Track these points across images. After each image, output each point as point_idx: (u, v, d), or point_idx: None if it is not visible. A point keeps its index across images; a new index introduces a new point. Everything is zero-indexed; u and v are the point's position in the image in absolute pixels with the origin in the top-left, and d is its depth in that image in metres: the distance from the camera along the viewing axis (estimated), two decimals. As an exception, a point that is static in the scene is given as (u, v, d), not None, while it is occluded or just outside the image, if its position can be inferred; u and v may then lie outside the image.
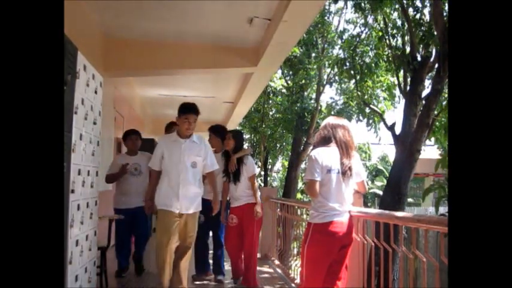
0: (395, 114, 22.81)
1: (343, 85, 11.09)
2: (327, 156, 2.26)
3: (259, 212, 3.40)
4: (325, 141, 2.31)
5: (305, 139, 10.63)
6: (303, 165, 11.63)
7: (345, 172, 2.24)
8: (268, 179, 15.46)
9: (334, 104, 11.36)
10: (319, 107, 10.65)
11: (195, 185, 2.96)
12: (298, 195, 13.94)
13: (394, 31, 7.46)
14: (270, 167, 16.78)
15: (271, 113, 12.13)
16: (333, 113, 10.03)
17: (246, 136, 13.24)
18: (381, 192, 16.77)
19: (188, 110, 2.93)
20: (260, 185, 13.41)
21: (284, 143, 13.28)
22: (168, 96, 7.50)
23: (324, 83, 10.72)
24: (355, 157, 2.34)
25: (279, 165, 19.32)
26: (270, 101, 12.31)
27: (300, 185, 13.87)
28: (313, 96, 11.04)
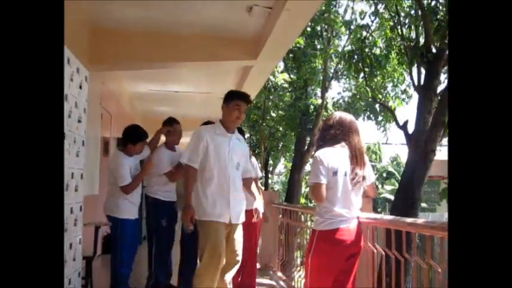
0: (407, 111, 22.73)
1: (350, 80, 11.12)
2: (333, 157, 2.26)
3: (266, 215, 3.36)
4: (333, 140, 2.31)
5: (309, 138, 10.65)
6: (307, 167, 11.67)
7: (357, 183, 2.25)
8: (269, 182, 15.47)
9: (341, 100, 11.39)
10: (325, 104, 10.67)
11: (242, 190, 2.84)
12: (302, 200, 13.97)
13: (407, 20, 7.44)
14: (271, 169, 16.82)
15: (272, 110, 12.19)
16: (338, 110, 10.06)
17: (246, 135, 13.24)
18: (392, 197, 16.78)
19: (240, 96, 2.80)
20: (260, 188, 13.25)
21: (286, 143, 13.32)
22: (160, 92, 7.50)
23: (330, 77, 10.74)
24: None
25: (281, 167, 19.39)
26: (271, 97, 12.31)
27: (304, 188, 13.90)
28: (319, 91, 11.07)
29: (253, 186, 3.21)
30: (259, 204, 2.92)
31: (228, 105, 2.80)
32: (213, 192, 2.70)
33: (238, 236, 2.80)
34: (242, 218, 2.82)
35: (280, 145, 13.70)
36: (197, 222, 2.74)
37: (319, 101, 10.41)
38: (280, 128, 12.47)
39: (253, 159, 3.56)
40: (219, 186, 2.71)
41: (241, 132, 3.38)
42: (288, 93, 12.02)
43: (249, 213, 2.95)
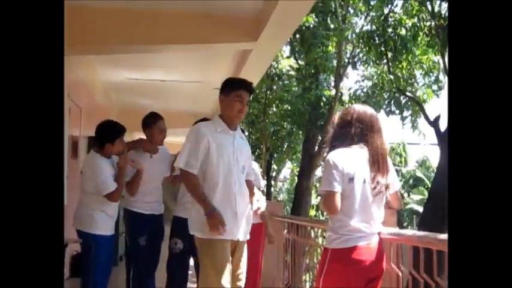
0: (439, 104, 22.76)
1: (370, 66, 11.13)
2: (349, 160, 2.27)
3: (270, 234, 3.35)
4: (350, 140, 2.32)
5: (320, 138, 10.66)
6: (317, 172, 11.67)
7: (379, 192, 2.26)
8: (272, 190, 15.48)
9: (359, 91, 11.41)
10: (340, 95, 10.68)
11: (248, 195, 2.86)
12: (312, 212, 14.02)
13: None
14: (274, 174, 16.83)
15: (275, 103, 12.22)
16: (355, 102, 10.07)
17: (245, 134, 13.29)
18: (420, 208, 16.75)
19: (241, 85, 2.83)
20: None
21: (293, 143, 13.37)
22: (140, 81, 7.50)
23: (346, 63, 10.75)
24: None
25: (287, 172, 19.42)
26: (274, 88, 12.31)
27: (314, 198, 13.90)
28: (332, 80, 11.08)
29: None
30: (262, 204, 2.88)
31: (227, 96, 2.81)
32: (218, 202, 2.70)
33: (243, 255, 2.81)
34: (249, 230, 2.85)
35: (285, 146, 13.75)
36: (197, 240, 2.74)
37: (333, 92, 10.40)
38: (285, 125, 12.49)
39: (255, 165, 3.57)
40: (224, 195, 2.72)
41: (242, 131, 3.40)
42: (294, 83, 12.03)
43: (254, 227, 2.97)
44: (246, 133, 13.90)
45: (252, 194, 2.98)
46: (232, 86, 2.83)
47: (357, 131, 2.31)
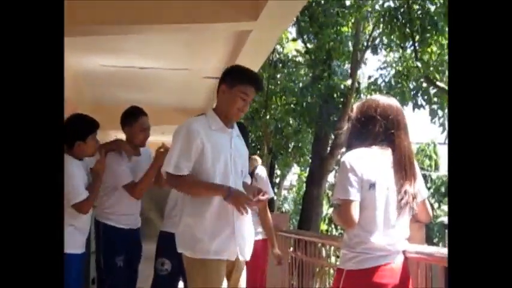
0: (476, 96, 22.69)
1: (393, 51, 11.11)
2: (369, 162, 2.28)
3: (279, 255, 3.43)
4: (370, 139, 2.33)
5: (334, 136, 10.67)
6: (330, 178, 11.67)
7: (406, 203, 2.27)
8: (275, 199, 15.44)
9: (380, 80, 11.39)
10: (357, 85, 10.68)
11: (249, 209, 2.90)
12: (323, 226, 14.03)
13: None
14: (277, 180, 16.85)
15: (279, 94, 12.27)
16: (375, 94, 10.06)
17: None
18: (453, 221, 16.73)
19: (250, 80, 2.88)
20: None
21: (300, 143, 13.41)
22: (117, 69, 7.50)
23: (365, 47, 10.75)
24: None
25: (293, 178, 19.38)
26: (278, 76, 12.31)
27: (326, 209, 13.91)
28: (348, 68, 11.08)
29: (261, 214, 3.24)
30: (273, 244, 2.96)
31: (230, 89, 2.84)
32: (212, 214, 2.74)
33: (242, 278, 2.85)
34: (250, 249, 2.88)
35: (291, 146, 13.75)
36: (186, 260, 2.77)
37: (349, 82, 10.41)
38: (291, 121, 12.52)
39: (262, 170, 3.58)
40: (220, 206, 2.74)
41: (242, 126, 3.44)
42: (302, 71, 12.02)
43: (257, 244, 3.01)
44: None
45: (266, 216, 2.99)
46: (239, 79, 2.85)
47: (381, 129, 2.32)
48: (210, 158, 2.76)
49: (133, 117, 3.78)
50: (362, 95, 10.74)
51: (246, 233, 2.84)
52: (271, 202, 14.14)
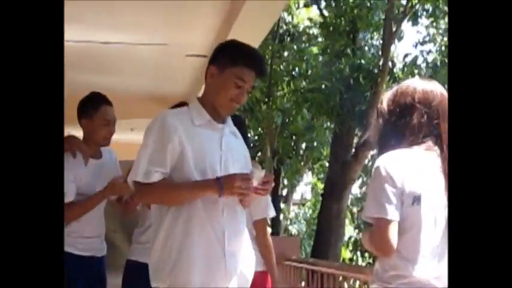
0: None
1: (438, 21, 11.09)
2: (411, 168, 2.29)
3: None
4: (411, 136, 2.34)
5: (360, 133, 10.65)
6: (355, 189, 11.63)
7: None
8: (282, 218, 15.46)
9: (419, 59, 11.39)
10: (390, 66, 10.66)
11: (246, 228, 2.99)
12: (346, 254, 14.01)
13: None
14: (285, 192, 16.95)
15: (286, 78, 12.34)
16: (414, 77, 10.05)
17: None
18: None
19: (248, 59, 2.91)
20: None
21: (315, 143, 13.49)
22: (72, 44, 7.49)
23: (400, 15, 10.73)
24: None
25: (305, 189, 19.38)
26: (286, 54, 12.30)
27: (349, 230, 13.85)
28: (378, 42, 11.05)
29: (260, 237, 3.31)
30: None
31: (222, 71, 2.88)
32: (194, 236, 2.78)
33: None
34: (248, 281, 2.94)
35: (303, 147, 13.78)
36: None
37: (379, 61, 10.42)
38: (303, 114, 12.58)
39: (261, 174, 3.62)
40: (205, 227, 2.79)
41: (238, 119, 3.48)
42: (316, 47, 11.99)
43: (257, 277, 3.09)
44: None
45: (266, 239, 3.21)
46: (234, 58, 2.88)
47: (422, 120, 2.34)
48: (191, 164, 2.80)
49: (93, 107, 3.79)
50: (397, 79, 10.72)
51: (242, 263, 2.88)
52: (275, 223, 14.17)
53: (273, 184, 2.92)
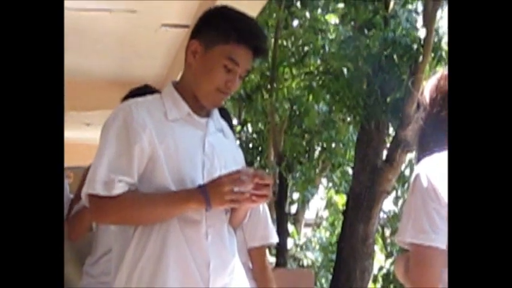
0: None
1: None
2: None
3: None
4: None
5: (395, 131, 10.70)
6: (388, 205, 11.60)
7: None
8: (290, 243, 15.50)
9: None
10: (435, 41, 10.69)
11: (239, 255, 3.09)
12: (375, 289, 14.03)
13: None
14: (293, 210, 17.06)
15: (295, 58, 12.51)
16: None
17: (234, 122, 13.39)
18: None
19: (243, 33, 2.96)
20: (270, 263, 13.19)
21: (334, 143, 13.73)
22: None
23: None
24: None
25: (321, 204, 19.41)
26: (295, 24, 12.39)
27: (381, 259, 13.88)
28: (419, 9, 11.08)
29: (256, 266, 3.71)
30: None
31: (208, 49, 2.94)
32: (168, 268, 2.83)
33: None
34: None
35: (317, 149, 13.89)
36: None
37: (421, 34, 10.45)
38: (318, 105, 12.68)
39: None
40: (182, 253, 2.85)
41: (225, 114, 3.58)
42: (336, 14, 12.00)
43: None
44: (235, 121, 13.94)
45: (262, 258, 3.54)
46: (224, 31, 2.92)
47: None
48: (165, 173, 2.86)
49: None
50: (445, 58, 10.74)
51: (227, 284, 2.95)
52: (281, 250, 14.17)
53: (271, 190, 2.95)
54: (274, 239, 3.98)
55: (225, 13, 3.02)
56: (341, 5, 11.91)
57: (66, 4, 7.82)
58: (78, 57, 8.85)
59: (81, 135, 8.37)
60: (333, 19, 12.42)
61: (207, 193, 2.76)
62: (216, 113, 3.06)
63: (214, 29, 2.93)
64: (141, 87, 4.00)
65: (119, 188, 2.79)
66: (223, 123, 3.13)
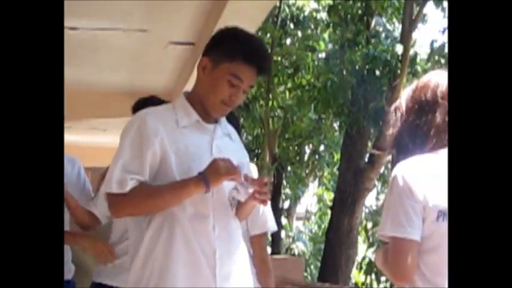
0: None
1: None
2: (435, 177, 2.29)
3: None
4: (434, 139, 2.36)
5: (377, 134, 10.73)
6: (370, 200, 11.58)
7: None
8: (283, 235, 15.44)
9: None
10: (412, 55, 10.64)
11: (244, 248, 3.02)
12: (359, 277, 13.98)
13: None
14: (287, 205, 16.90)
15: (288, 72, 12.34)
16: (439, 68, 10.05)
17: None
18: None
19: (250, 54, 2.91)
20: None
21: (322, 146, 13.55)
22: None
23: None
24: None
25: (311, 201, 19.30)
26: (288, 42, 12.30)
27: (362, 249, 13.84)
28: (397, 27, 11.03)
29: (257, 254, 3.47)
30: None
31: (216, 66, 2.90)
32: (179, 257, 2.79)
33: None
34: None
35: (307, 152, 13.84)
36: None
37: (399, 49, 10.40)
38: (307, 113, 12.53)
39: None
40: (191, 249, 2.80)
41: (233, 118, 3.50)
42: (326, 33, 11.98)
43: None
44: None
45: (262, 249, 3.32)
46: (231, 50, 2.88)
47: (447, 121, 2.33)
48: (175, 174, 2.81)
49: None
50: (418, 72, 10.70)
51: (238, 284, 2.88)
52: (275, 241, 14.14)
53: (268, 190, 2.90)
54: (274, 227, 3.98)
55: (233, 34, 2.98)
56: (329, 26, 11.95)
57: (84, 24, 7.75)
58: (96, 71, 8.84)
59: (98, 139, 8.34)
60: (322, 38, 12.43)
61: (205, 174, 2.72)
62: (223, 120, 3.02)
63: (222, 48, 2.89)
64: (147, 97, 3.95)
65: (130, 185, 2.77)
66: (231, 129, 3.08)
